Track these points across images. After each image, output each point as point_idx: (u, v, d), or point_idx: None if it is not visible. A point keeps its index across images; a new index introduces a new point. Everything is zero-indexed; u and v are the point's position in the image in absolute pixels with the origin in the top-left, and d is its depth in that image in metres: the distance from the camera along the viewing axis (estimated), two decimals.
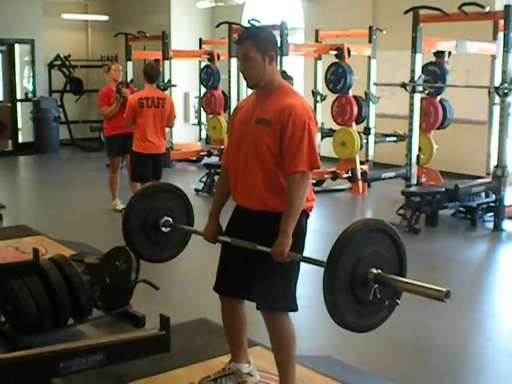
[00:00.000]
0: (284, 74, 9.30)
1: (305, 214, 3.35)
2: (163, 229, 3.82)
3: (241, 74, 3.42)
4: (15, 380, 3.16)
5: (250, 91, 3.49)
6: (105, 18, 16.25)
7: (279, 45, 9.37)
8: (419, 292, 2.80)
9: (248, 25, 10.98)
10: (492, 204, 8.10)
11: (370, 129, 10.50)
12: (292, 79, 9.28)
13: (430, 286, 2.75)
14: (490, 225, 7.99)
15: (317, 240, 7.33)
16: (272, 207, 3.28)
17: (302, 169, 3.21)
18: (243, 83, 12.28)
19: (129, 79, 12.69)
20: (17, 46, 15.07)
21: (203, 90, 12.97)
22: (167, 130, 8.06)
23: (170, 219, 3.82)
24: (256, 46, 3.27)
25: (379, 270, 2.85)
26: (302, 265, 3.25)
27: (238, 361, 3.64)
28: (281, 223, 3.19)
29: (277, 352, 3.44)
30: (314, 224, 8.39)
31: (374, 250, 2.88)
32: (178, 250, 4.02)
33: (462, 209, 8.35)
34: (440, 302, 2.70)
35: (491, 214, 8.08)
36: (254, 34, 3.37)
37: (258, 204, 3.33)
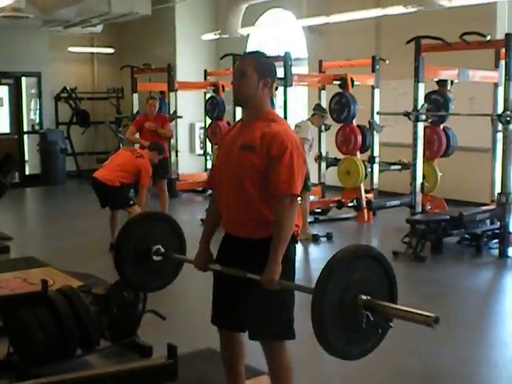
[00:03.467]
0: (318, 106, 9.27)
1: (292, 240, 3.33)
2: (155, 257, 3.80)
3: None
4: None
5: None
6: (110, 50, 16.44)
7: (283, 76, 9.46)
8: (408, 318, 2.77)
9: None
10: (497, 231, 8.11)
11: (374, 157, 10.54)
12: (326, 111, 9.20)
13: (419, 311, 2.72)
14: (496, 252, 7.99)
15: (320, 268, 7.37)
16: (258, 236, 3.27)
17: (295, 191, 3.18)
18: None
19: (135, 111, 12.87)
20: (23, 79, 15.23)
21: (208, 120, 13.06)
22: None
23: (162, 248, 3.82)
24: (257, 66, 3.30)
25: (368, 297, 2.81)
26: (298, 292, 3.25)
27: None
28: (270, 251, 3.16)
29: (275, 382, 3.43)
30: (318, 252, 8.44)
31: (364, 276, 2.85)
32: (170, 278, 3.99)
33: (467, 236, 8.37)
34: (430, 327, 2.68)
35: (496, 241, 8.09)
36: (258, 56, 3.41)
37: (244, 233, 3.33)
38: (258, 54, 3.44)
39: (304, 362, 4.38)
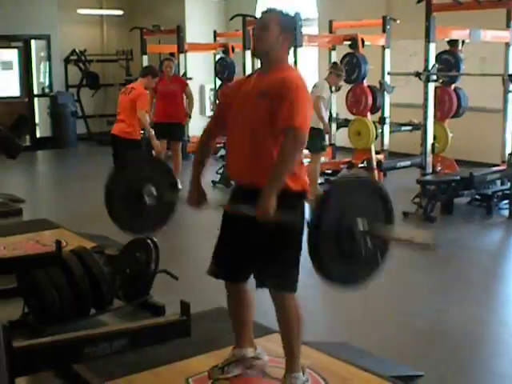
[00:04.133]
0: (335, 65, 9.06)
1: (304, 196, 3.35)
2: (146, 198, 3.82)
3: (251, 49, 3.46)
4: (41, 365, 3.24)
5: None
6: (119, 12, 16.34)
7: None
8: (406, 241, 2.82)
9: None
10: (507, 192, 8.12)
11: (385, 118, 10.52)
12: (342, 71, 8.96)
13: (417, 233, 2.78)
14: (506, 212, 8.01)
15: None
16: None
17: (296, 123, 3.17)
18: None
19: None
20: (33, 42, 15.18)
21: (218, 82, 13.03)
22: None
23: (153, 189, 3.82)
24: (280, 21, 3.35)
25: (365, 220, 2.85)
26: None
27: (243, 346, 3.68)
28: (266, 182, 3.15)
29: (283, 333, 3.47)
30: None
31: (362, 202, 2.88)
32: (161, 222, 4.00)
33: (477, 197, 8.37)
34: (429, 250, 2.74)
35: (506, 201, 8.10)
36: (282, 12, 3.44)
37: (254, 181, 3.30)
38: (281, 11, 3.46)
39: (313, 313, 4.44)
